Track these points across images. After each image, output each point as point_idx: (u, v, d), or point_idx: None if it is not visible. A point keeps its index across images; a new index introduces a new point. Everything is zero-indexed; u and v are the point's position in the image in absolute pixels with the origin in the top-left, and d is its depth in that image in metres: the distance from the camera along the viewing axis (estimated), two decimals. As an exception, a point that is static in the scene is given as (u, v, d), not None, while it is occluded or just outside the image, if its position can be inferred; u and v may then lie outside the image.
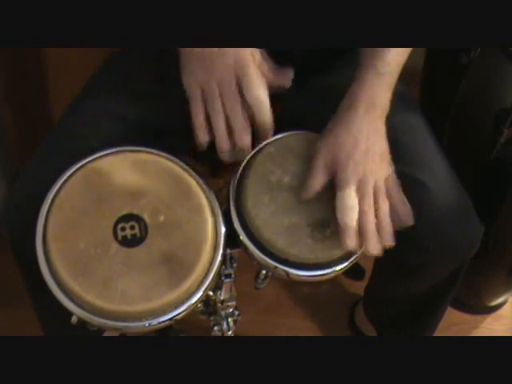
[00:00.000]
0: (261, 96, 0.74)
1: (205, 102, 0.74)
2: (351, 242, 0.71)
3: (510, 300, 1.34)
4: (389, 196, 0.74)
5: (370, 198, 0.72)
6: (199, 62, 0.74)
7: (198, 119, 0.74)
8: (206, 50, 0.73)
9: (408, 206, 0.74)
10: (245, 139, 0.75)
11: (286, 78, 0.78)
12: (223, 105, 0.73)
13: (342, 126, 0.74)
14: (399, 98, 0.81)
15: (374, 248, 0.72)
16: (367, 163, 0.73)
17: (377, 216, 0.72)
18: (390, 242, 0.73)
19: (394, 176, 0.75)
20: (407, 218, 0.74)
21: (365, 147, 0.73)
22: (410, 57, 0.81)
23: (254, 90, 0.73)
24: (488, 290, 1.27)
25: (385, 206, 0.73)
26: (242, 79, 0.73)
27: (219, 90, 0.73)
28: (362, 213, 0.72)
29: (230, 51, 0.73)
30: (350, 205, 0.72)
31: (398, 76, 0.79)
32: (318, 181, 0.74)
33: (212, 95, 0.73)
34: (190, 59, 0.74)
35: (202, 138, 0.75)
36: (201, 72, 0.74)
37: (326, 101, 0.77)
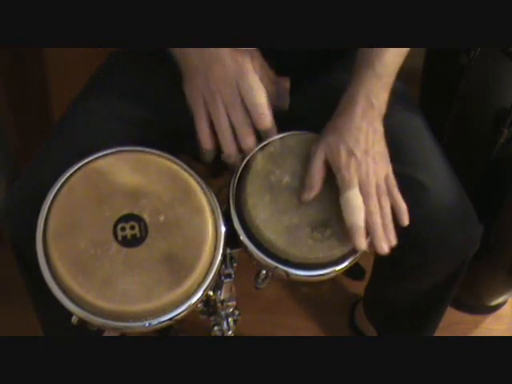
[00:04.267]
0: (260, 101, 0.74)
1: (207, 108, 0.75)
2: (362, 242, 0.71)
3: (509, 300, 1.34)
4: (389, 195, 0.74)
5: (374, 198, 0.72)
6: (197, 68, 0.74)
7: (202, 126, 0.75)
8: (205, 55, 0.74)
9: (405, 206, 0.75)
10: (250, 142, 0.75)
11: (284, 86, 0.79)
12: (226, 110, 0.74)
13: (342, 126, 0.75)
14: (399, 98, 0.81)
15: (385, 247, 0.72)
16: (368, 163, 0.73)
17: (381, 216, 0.73)
18: (394, 241, 0.73)
19: (392, 176, 0.75)
20: (404, 217, 0.75)
21: (365, 147, 0.73)
22: (410, 57, 0.81)
23: (253, 97, 0.74)
24: (488, 290, 1.27)
25: (387, 206, 0.73)
26: (240, 85, 0.74)
27: (220, 96, 0.74)
28: (369, 213, 0.72)
29: (228, 56, 0.74)
30: (358, 205, 0.72)
31: (395, 77, 0.79)
32: (316, 181, 0.74)
33: (214, 102, 0.74)
34: (188, 66, 0.75)
35: (206, 144, 0.75)
36: (200, 79, 0.74)
37: (326, 101, 0.77)
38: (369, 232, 0.72)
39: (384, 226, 0.73)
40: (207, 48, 0.74)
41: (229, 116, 0.74)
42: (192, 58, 0.75)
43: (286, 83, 0.80)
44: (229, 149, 0.75)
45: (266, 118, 0.75)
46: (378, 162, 0.74)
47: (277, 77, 0.80)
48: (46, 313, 0.95)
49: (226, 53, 0.74)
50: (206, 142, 0.75)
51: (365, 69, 0.77)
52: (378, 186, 0.73)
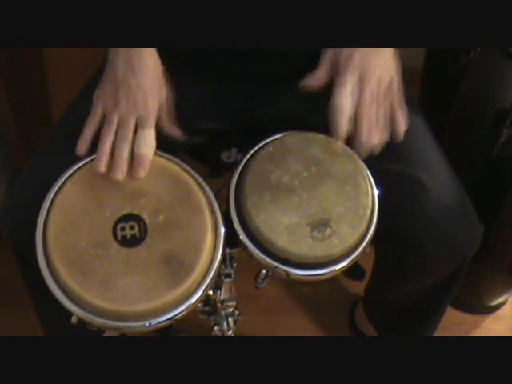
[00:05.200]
0: (146, 152, 0.72)
1: (101, 121, 0.74)
2: (343, 126, 0.70)
3: (509, 300, 1.34)
4: (389, 102, 0.74)
5: (371, 88, 0.72)
6: (112, 85, 0.74)
7: (87, 133, 0.74)
8: (121, 77, 0.73)
9: (404, 120, 0.74)
10: (117, 174, 0.72)
11: (175, 134, 0.78)
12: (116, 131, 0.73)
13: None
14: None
15: (362, 151, 0.72)
16: (372, 58, 0.72)
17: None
18: (381, 141, 0.72)
19: (397, 85, 0.74)
20: (400, 127, 0.74)
21: (368, 50, 0.73)
22: (410, 57, 0.81)
23: (142, 147, 0.72)
24: (488, 289, 1.27)
25: (385, 104, 0.73)
26: (140, 123, 0.73)
27: (117, 121, 0.73)
28: (361, 100, 0.71)
29: (140, 92, 0.73)
30: (344, 105, 0.71)
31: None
32: (321, 74, 0.73)
33: (109, 123, 0.73)
34: (106, 78, 0.75)
35: (81, 148, 0.73)
36: (109, 98, 0.73)
37: (325, 101, 0.77)
38: (355, 124, 0.71)
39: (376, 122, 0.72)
40: (134, 62, 0.74)
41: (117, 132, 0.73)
42: (117, 68, 0.74)
43: (177, 133, 0.79)
44: (99, 164, 0.71)
45: (141, 172, 0.72)
46: (385, 59, 0.73)
47: (172, 127, 0.79)
48: (45, 313, 0.95)
49: (147, 79, 0.74)
50: (81, 147, 0.74)
51: None
52: (379, 81, 0.73)
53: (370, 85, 0.71)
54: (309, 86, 0.74)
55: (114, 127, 0.72)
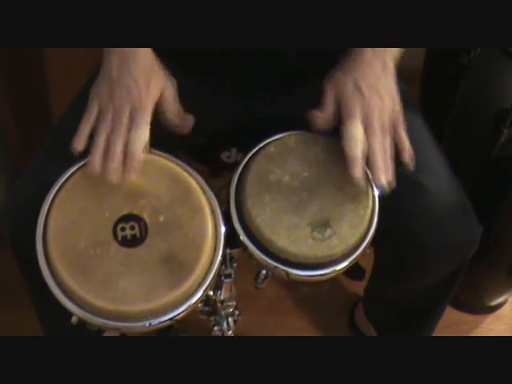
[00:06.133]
0: (138, 152, 0.71)
1: (96, 118, 0.73)
2: (357, 171, 0.71)
3: (509, 300, 1.34)
4: (394, 134, 0.74)
5: (378, 133, 0.72)
6: (108, 82, 0.73)
7: (83, 130, 0.73)
8: (115, 72, 0.73)
9: (409, 145, 0.74)
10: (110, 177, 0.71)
11: (187, 124, 0.78)
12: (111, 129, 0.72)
13: (351, 62, 0.76)
14: (399, 98, 0.81)
15: (382, 178, 0.72)
16: (373, 97, 0.73)
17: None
18: (390, 177, 0.73)
19: (400, 115, 0.75)
20: (406, 155, 0.74)
21: (372, 82, 0.74)
22: (410, 57, 0.81)
23: (136, 147, 0.71)
24: (488, 289, 1.27)
25: (388, 143, 0.73)
26: (133, 117, 0.72)
27: (112, 116, 0.72)
28: (372, 150, 0.72)
29: (141, 76, 0.73)
30: (357, 136, 0.72)
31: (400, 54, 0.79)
32: (328, 108, 0.74)
33: (104, 120, 0.72)
34: (102, 76, 0.74)
35: (76, 146, 0.72)
36: (105, 93, 0.73)
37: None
38: (369, 166, 0.72)
39: (383, 162, 0.72)
40: (129, 60, 0.74)
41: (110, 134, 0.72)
42: (105, 70, 0.74)
43: (189, 121, 0.79)
44: (94, 162, 0.71)
45: (134, 173, 0.71)
46: (383, 99, 0.74)
47: (183, 112, 0.78)
48: (45, 313, 0.95)
49: (140, 72, 0.73)
50: (77, 144, 0.72)
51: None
52: (381, 121, 0.73)
53: (374, 132, 0.73)
54: (318, 122, 0.75)
55: (108, 124, 0.72)
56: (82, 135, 0.73)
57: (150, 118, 0.73)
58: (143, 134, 0.72)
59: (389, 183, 0.72)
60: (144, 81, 0.74)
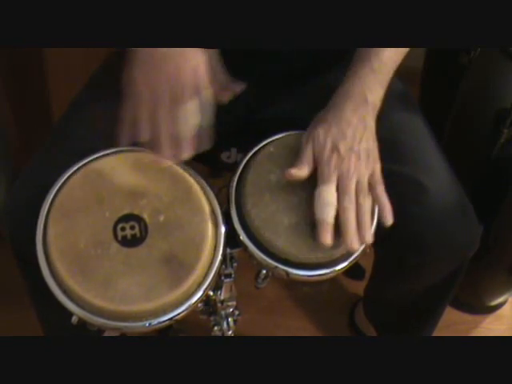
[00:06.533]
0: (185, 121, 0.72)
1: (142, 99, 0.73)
2: (326, 237, 0.70)
3: (509, 300, 1.34)
4: (373, 194, 0.74)
5: (351, 195, 0.72)
6: (144, 65, 0.73)
7: (127, 115, 0.73)
8: (158, 52, 0.72)
9: (389, 205, 0.74)
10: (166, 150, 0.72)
11: (237, 87, 0.78)
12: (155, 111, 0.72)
13: (332, 119, 0.74)
14: (399, 98, 0.81)
15: (354, 244, 0.71)
16: (351, 159, 0.73)
17: (357, 213, 0.72)
18: (369, 240, 0.72)
19: (379, 174, 0.75)
20: (388, 215, 0.74)
21: (351, 142, 0.73)
22: (410, 57, 0.81)
23: (185, 130, 0.72)
24: (488, 289, 1.28)
25: (366, 203, 0.73)
26: (176, 93, 0.72)
27: (153, 96, 0.72)
28: (342, 209, 0.71)
29: (173, 62, 0.72)
30: (329, 200, 0.71)
31: (392, 74, 0.78)
32: (304, 168, 0.73)
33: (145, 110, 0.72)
34: (138, 61, 0.73)
35: (123, 137, 0.73)
36: (143, 76, 0.73)
37: (325, 101, 0.77)
38: (341, 228, 0.71)
39: (359, 223, 0.72)
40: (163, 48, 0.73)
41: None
42: (142, 52, 0.73)
43: (238, 87, 0.78)
44: (144, 135, 0.72)
45: (186, 153, 0.72)
46: (362, 160, 0.73)
47: (229, 81, 0.78)
48: (46, 313, 0.95)
49: (179, 52, 0.72)
50: (122, 139, 0.73)
51: (361, 64, 0.76)
52: (358, 183, 0.73)
53: (348, 193, 0.72)
54: (294, 175, 0.74)
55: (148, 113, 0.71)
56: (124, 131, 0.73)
57: (191, 93, 0.72)
58: (189, 111, 0.72)
59: (365, 244, 0.72)
60: (179, 55, 0.72)
